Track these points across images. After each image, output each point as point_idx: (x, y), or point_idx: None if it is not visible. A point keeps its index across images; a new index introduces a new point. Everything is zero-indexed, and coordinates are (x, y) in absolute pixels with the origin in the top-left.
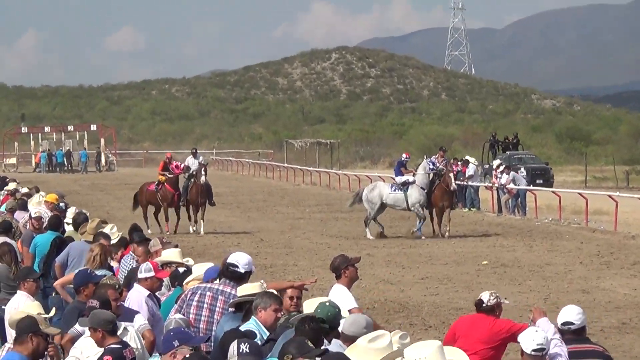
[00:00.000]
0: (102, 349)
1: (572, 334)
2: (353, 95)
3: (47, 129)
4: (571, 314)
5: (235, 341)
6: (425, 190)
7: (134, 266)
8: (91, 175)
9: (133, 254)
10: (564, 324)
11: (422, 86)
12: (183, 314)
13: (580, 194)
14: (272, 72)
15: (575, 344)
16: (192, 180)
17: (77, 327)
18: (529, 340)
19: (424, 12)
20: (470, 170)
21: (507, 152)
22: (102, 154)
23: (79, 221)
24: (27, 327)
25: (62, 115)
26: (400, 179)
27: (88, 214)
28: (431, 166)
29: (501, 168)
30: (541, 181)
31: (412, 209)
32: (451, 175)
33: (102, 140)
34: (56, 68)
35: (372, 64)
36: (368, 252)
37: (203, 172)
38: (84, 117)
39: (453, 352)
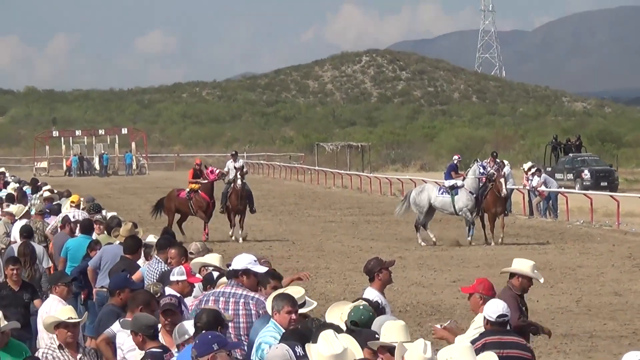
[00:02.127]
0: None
1: (499, 326)
2: (384, 98)
3: (78, 132)
4: (501, 307)
5: (286, 346)
6: (475, 195)
7: (163, 269)
8: (122, 179)
9: (159, 258)
10: (499, 316)
11: (453, 89)
12: None
13: (611, 196)
14: (302, 75)
15: (500, 335)
16: (231, 185)
17: (113, 328)
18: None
19: (453, 14)
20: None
21: (570, 155)
22: (134, 157)
23: (112, 225)
24: None
25: (93, 119)
26: (449, 182)
27: (118, 217)
28: (482, 170)
29: (532, 170)
30: (605, 183)
31: (460, 213)
32: (502, 180)
33: (133, 144)
34: (87, 71)
35: (403, 66)
36: (400, 255)
37: (239, 177)
38: (115, 121)
39: (484, 355)
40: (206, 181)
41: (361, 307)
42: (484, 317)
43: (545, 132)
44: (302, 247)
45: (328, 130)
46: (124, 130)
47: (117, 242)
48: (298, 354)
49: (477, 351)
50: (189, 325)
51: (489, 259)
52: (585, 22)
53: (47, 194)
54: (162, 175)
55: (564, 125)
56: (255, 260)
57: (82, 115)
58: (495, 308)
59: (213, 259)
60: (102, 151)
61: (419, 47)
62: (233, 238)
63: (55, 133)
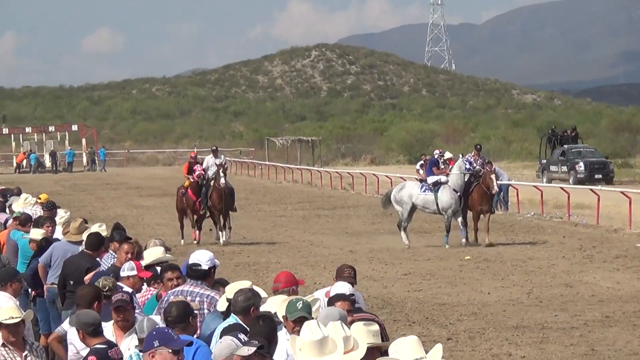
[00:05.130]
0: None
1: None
2: (333, 92)
3: (28, 129)
4: (346, 288)
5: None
6: (459, 193)
7: (114, 264)
8: (73, 175)
9: (113, 253)
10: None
11: (403, 82)
12: None
13: (562, 188)
14: (252, 70)
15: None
16: (212, 183)
17: (64, 326)
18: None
19: (402, 8)
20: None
21: (565, 146)
22: (84, 153)
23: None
24: None
25: (43, 116)
26: (431, 179)
27: (68, 214)
28: (467, 166)
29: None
30: (600, 176)
31: (443, 213)
32: (493, 176)
33: (84, 141)
34: (35, 70)
35: (352, 60)
36: (350, 249)
37: (222, 174)
38: (65, 118)
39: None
40: (192, 180)
41: (299, 300)
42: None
43: (496, 124)
44: (253, 241)
45: (278, 125)
46: (74, 127)
47: (67, 239)
48: (242, 340)
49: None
50: (157, 320)
51: (440, 251)
52: (534, 15)
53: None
54: (113, 171)
55: (513, 117)
56: (214, 257)
57: (31, 112)
58: (343, 289)
59: (157, 252)
60: (52, 148)
61: (368, 41)
62: (221, 239)
63: (5, 130)
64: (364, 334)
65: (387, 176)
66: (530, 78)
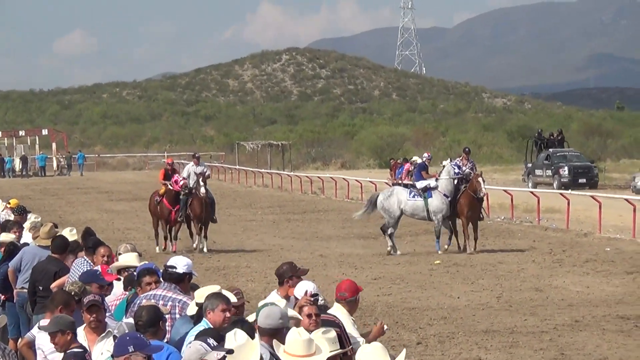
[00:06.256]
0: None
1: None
2: (304, 96)
3: None
4: (311, 287)
5: (199, 341)
6: (449, 199)
7: (86, 269)
8: (43, 180)
9: (86, 258)
10: (312, 295)
11: (373, 86)
12: None
13: (531, 192)
14: (222, 74)
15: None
16: (192, 192)
17: (33, 332)
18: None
19: (372, 12)
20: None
21: (550, 150)
22: (54, 158)
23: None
24: None
25: (13, 120)
26: (420, 184)
27: (39, 219)
28: (457, 170)
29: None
30: (584, 180)
31: (434, 219)
32: (480, 180)
33: (54, 145)
34: (6, 72)
35: (323, 64)
36: (321, 253)
37: (202, 184)
38: (35, 122)
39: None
40: (171, 188)
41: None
42: (295, 298)
43: (466, 128)
44: (222, 246)
45: (248, 129)
46: (45, 131)
47: (37, 243)
48: (211, 345)
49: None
50: (128, 325)
51: (410, 256)
52: (505, 19)
53: None
54: (84, 175)
55: (484, 121)
56: (192, 265)
57: (2, 116)
58: (307, 288)
59: (130, 257)
60: (23, 152)
61: (339, 44)
62: (197, 249)
63: None
64: (325, 342)
65: (357, 180)
66: (501, 81)
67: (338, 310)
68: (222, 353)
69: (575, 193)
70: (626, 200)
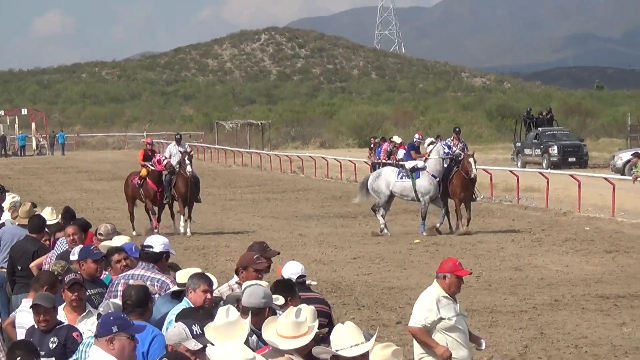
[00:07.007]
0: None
1: (301, 285)
2: (283, 75)
3: None
4: (299, 268)
5: (183, 324)
6: (438, 179)
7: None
8: (22, 160)
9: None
10: (299, 277)
11: (352, 66)
12: None
13: (511, 171)
14: (201, 53)
15: (303, 292)
16: (176, 172)
17: (17, 311)
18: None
19: None
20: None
21: (540, 129)
22: (33, 137)
23: None
24: None
25: None
26: (409, 164)
27: (17, 198)
28: (446, 150)
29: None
30: (574, 159)
31: (421, 200)
32: (471, 160)
33: (33, 125)
34: None
35: (302, 44)
36: (300, 233)
37: (188, 162)
38: (15, 102)
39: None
40: (153, 168)
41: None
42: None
43: (445, 107)
44: (202, 225)
45: (228, 109)
46: (24, 111)
47: (17, 223)
48: (195, 332)
49: None
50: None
51: (389, 235)
52: None
53: None
54: (63, 155)
55: (463, 100)
56: (169, 244)
57: None
58: (294, 269)
59: (121, 240)
60: (2, 132)
61: (318, 24)
62: (182, 231)
63: None
64: (310, 314)
65: (336, 159)
66: (480, 61)
67: (432, 286)
68: (200, 345)
69: (554, 172)
70: (605, 179)
